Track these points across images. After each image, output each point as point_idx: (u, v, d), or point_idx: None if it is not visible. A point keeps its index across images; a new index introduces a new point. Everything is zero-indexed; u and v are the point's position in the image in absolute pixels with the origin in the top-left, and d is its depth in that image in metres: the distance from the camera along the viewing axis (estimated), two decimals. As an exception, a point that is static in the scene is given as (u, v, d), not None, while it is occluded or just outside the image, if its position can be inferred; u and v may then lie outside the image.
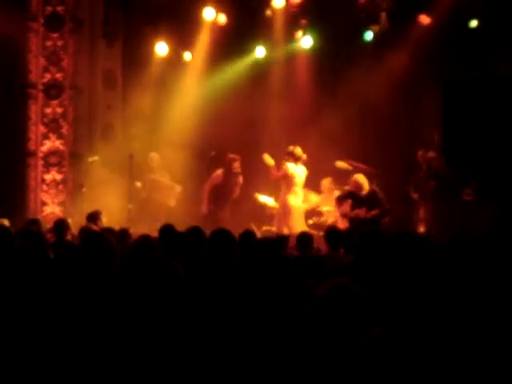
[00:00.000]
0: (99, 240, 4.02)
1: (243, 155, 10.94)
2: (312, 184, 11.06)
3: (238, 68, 11.96)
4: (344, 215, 9.75)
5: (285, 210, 10.25)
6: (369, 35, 11.36)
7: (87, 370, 2.55)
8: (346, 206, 9.67)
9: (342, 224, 9.73)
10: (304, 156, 10.33)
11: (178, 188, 11.30)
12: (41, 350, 2.83)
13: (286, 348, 2.68)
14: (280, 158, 10.97)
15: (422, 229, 10.36)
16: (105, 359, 2.48)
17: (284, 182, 10.30)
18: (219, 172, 10.83)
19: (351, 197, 9.65)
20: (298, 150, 10.32)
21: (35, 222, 7.56)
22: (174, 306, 2.62)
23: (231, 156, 10.76)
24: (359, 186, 9.60)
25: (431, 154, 10.61)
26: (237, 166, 10.70)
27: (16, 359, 2.81)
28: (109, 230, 6.25)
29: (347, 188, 9.97)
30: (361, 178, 9.68)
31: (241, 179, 10.77)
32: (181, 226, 6.26)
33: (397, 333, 1.81)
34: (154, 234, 6.20)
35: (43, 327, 2.97)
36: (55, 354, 2.79)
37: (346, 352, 1.82)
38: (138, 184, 11.00)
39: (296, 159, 10.30)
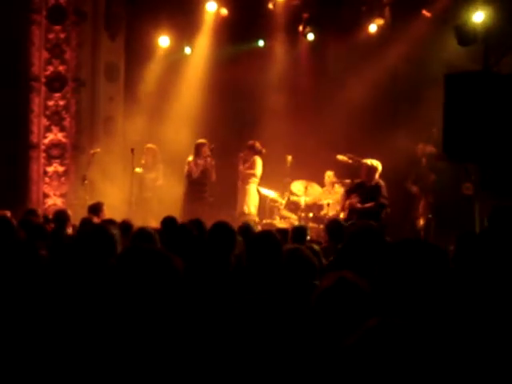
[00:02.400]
0: (101, 232, 4.06)
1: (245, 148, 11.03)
2: (314, 177, 11.10)
3: (240, 60, 11.99)
4: (349, 207, 9.76)
5: (244, 194, 10.95)
6: (372, 28, 11.37)
7: (82, 363, 2.59)
8: (353, 199, 9.66)
9: (343, 216, 9.75)
10: (264, 150, 10.87)
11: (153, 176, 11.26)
12: (39, 341, 2.86)
13: (289, 341, 2.71)
14: (281, 150, 11.03)
15: (421, 223, 10.39)
16: (100, 353, 2.52)
17: (252, 175, 10.86)
18: (190, 160, 10.88)
19: (358, 189, 9.63)
20: (258, 144, 10.84)
21: (33, 213, 7.57)
22: (170, 299, 2.65)
23: (199, 142, 10.85)
24: (371, 170, 9.49)
25: (430, 148, 10.64)
26: (206, 150, 10.81)
27: (16, 348, 2.84)
28: (111, 222, 6.28)
29: (356, 180, 9.94)
30: (378, 163, 9.60)
31: (212, 162, 10.84)
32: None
33: (396, 324, 1.84)
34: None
35: (41, 319, 3.00)
36: (53, 344, 2.83)
37: (345, 342, 1.85)
38: (138, 170, 10.93)
39: (257, 153, 10.83)
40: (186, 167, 10.85)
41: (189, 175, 10.82)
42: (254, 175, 10.89)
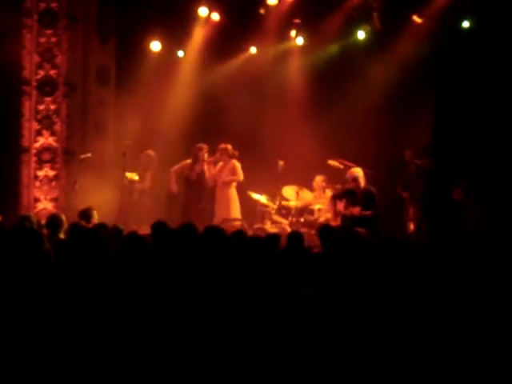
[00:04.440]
0: (91, 236, 4.05)
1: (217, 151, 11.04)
2: (305, 182, 11.13)
3: (232, 65, 12.03)
4: (338, 214, 9.78)
5: (226, 200, 10.75)
6: (361, 35, 11.42)
7: (78, 362, 2.59)
8: (340, 205, 9.69)
9: (335, 222, 9.78)
10: (236, 153, 10.78)
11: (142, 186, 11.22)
12: (35, 342, 2.86)
13: (276, 342, 2.73)
14: (273, 155, 11.06)
15: (411, 228, 10.43)
16: (97, 355, 2.52)
17: (234, 181, 10.76)
18: (188, 162, 10.93)
19: (347, 195, 9.66)
20: (230, 147, 10.80)
21: (27, 219, 7.54)
22: (163, 301, 2.66)
23: (198, 145, 10.88)
24: (356, 179, 9.57)
25: (417, 152, 10.64)
26: (203, 154, 10.85)
27: (13, 350, 2.84)
28: (102, 226, 6.28)
29: (346, 186, 9.95)
30: (358, 171, 9.68)
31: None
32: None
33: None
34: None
35: (37, 320, 3.00)
36: (49, 346, 2.83)
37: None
38: (131, 175, 10.96)
39: (230, 156, 10.77)
40: (184, 167, 10.91)
41: (186, 179, 10.84)
42: (237, 181, 10.77)
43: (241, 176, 10.74)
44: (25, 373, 2.71)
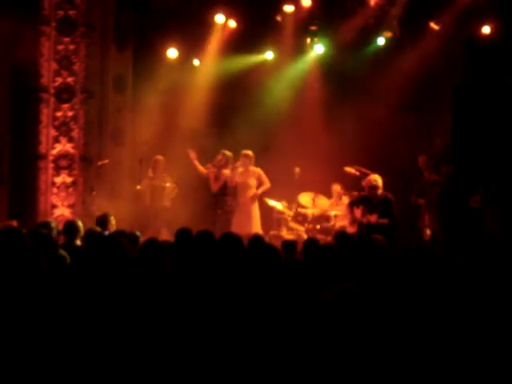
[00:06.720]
0: (107, 243, 4.05)
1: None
2: (322, 189, 11.10)
3: (248, 73, 12.06)
4: (354, 221, 9.71)
5: (248, 214, 10.52)
6: (380, 41, 11.41)
7: (93, 372, 2.58)
8: (357, 212, 9.61)
9: (352, 229, 9.72)
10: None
11: (172, 186, 11.20)
12: (45, 350, 2.86)
13: (291, 349, 2.71)
14: (290, 162, 11.04)
15: (428, 235, 10.36)
16: (107, 361, 2.51)
17: (264, 189, 10.57)
18: (209, 166, 10.90)
19: (364, 202, 9.58)
20: (253, 154, 10.59)
21: (46, 225, 7.53)
22: (177, 308, 2.65)
23: (222, 152, 10.82)
24: (374, 187, 9.47)
25: (431, 159, 10.57)
26: (220, 158, 10.75)
27: (21, 358, 2.84)
28: (119, 233, 6.29)
29: (363, 193, 9.88)
30: (377, 178, 9.58)
31: (224, 172, 10.75)
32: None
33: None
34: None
35: (50, 327, 3.00)
36: (58, 353, 2.82)
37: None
38: (138, 187, 10.97)
39: (252, 163, 10.61)
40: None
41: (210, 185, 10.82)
42: (267, 189, 10.60)
43: (269, 183, 10.57)
44: (37, 379, 2.71)
